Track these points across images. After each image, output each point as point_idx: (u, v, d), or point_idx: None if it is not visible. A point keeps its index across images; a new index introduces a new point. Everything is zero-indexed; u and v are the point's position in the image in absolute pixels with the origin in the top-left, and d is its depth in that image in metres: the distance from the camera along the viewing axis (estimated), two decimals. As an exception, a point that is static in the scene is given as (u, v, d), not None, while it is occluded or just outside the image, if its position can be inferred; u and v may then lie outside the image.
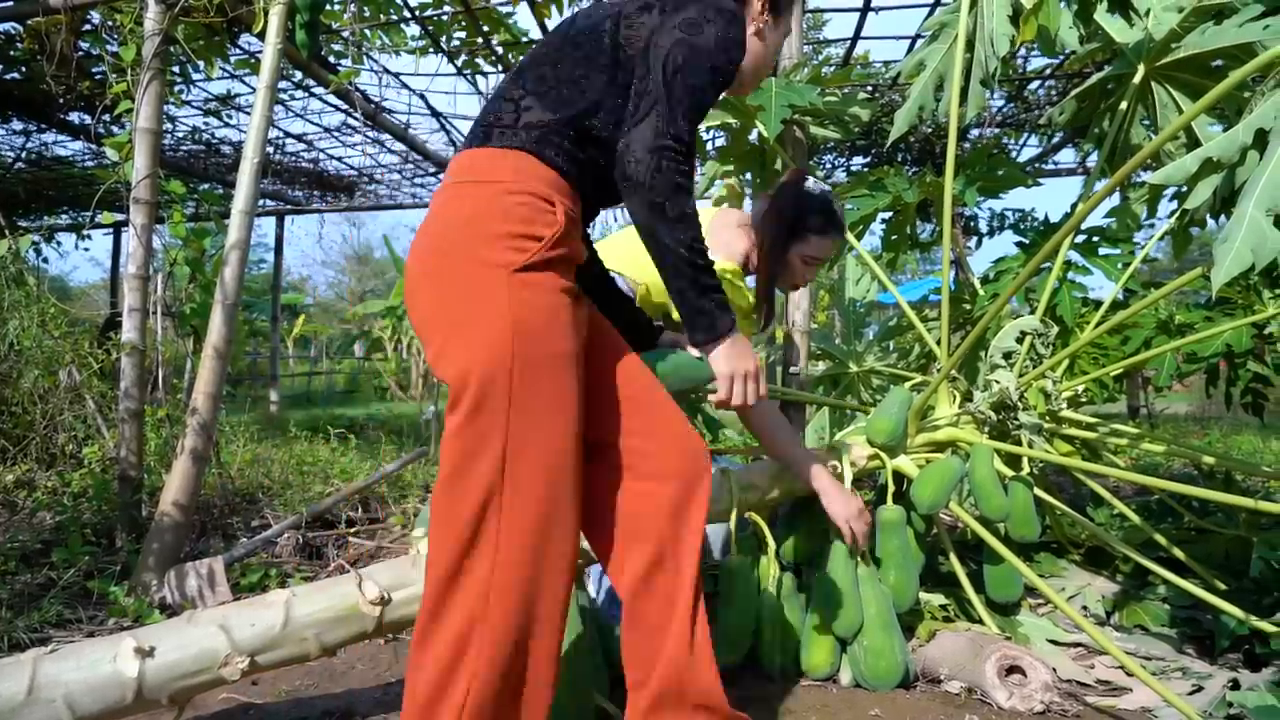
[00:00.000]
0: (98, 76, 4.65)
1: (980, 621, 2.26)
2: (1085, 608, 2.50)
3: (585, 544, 1.90)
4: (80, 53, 4.40)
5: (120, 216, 3.31)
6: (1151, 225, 2.86)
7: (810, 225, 2.22)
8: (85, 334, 3.64)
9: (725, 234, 2.29)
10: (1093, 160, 2.52)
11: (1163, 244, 2.57)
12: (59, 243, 8.60)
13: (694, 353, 1.44)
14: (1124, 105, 2.42)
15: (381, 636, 2.00)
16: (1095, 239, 2.83)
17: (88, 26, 4.21)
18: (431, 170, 8.50)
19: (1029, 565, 2.60)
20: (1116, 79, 2.46)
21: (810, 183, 2.28)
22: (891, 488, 2.24)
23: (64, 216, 10.31)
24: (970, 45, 2.36)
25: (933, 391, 2.39)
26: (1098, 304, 2.92)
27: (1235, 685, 1.94)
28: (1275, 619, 1.91)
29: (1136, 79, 2.36)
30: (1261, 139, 1.44)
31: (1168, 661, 2.14)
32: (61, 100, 5.23)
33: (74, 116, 6.26)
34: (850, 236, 2.83)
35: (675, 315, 2.25)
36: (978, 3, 2.30)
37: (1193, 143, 2.30)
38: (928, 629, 2.25)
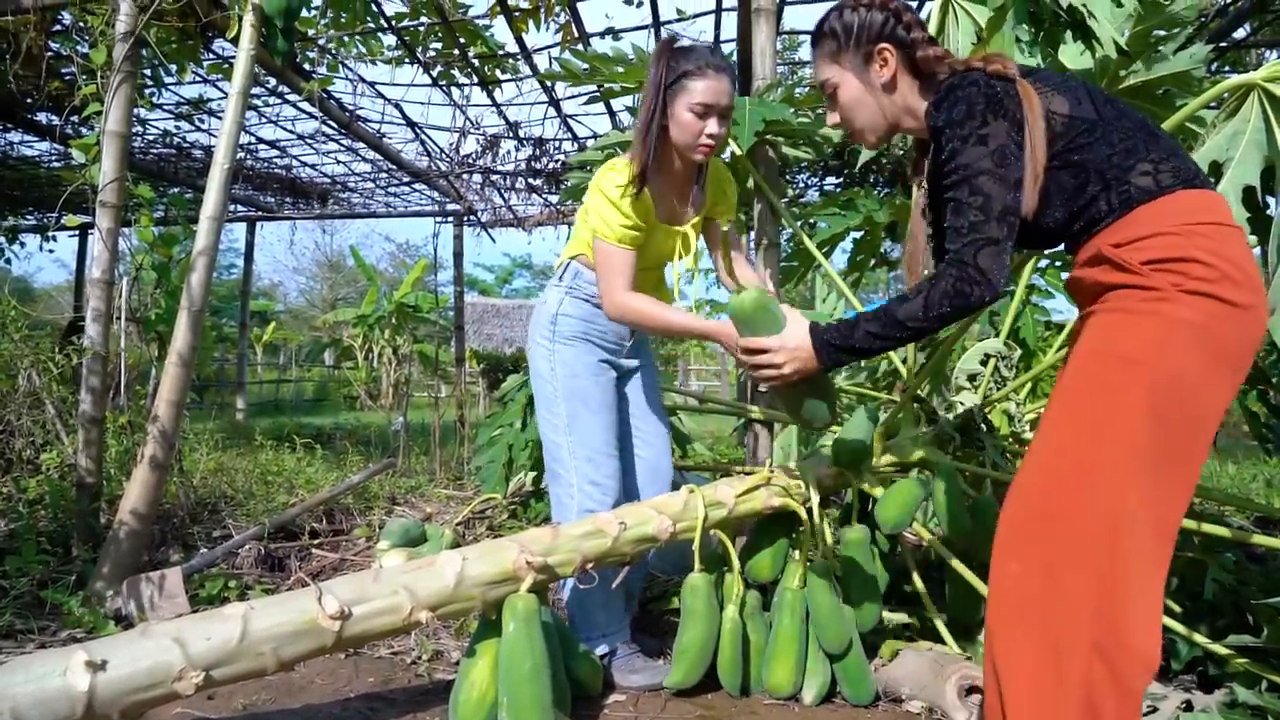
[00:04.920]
0: (67, 78, 4.59)
1: (943, 641, 2.28)
2: (1045, 628, 2.52)
3: (550, 560, 1.90)
4: (50, 53, 4.34)
5: (87, 219, 3.27)
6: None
7: (686, 72, 2.05)
8: (47, 337, 3.57)
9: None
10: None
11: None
12: (23, 243, 8.43)
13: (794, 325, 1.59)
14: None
15: (341, 651, 1.98)
16: (1058, 264, 2.89)
17: (58, 27, 4.15)
18: (405, 179, 8.47)
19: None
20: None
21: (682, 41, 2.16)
22: (856, 507, 2.26)
23: (29, 217, 10.14)
24: (939, 72, 2.40)
25: (898, 412, 2.41)
26: (1060, 327, 2.97)
27: (1189, 707, 1.97)
28: (1228, 641, 1.95)
29: (1094, 107, 2.41)
30: (1216, 170, 1.48)
31: (1124, 682, 2.17)
32: (29, 100, 5.15)
33: (41, 116, 6.17)
34: (819, 255, 2.86)
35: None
36: (944, 30, 2.34)
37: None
38: (890, 648, 2.26)
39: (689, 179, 2.23)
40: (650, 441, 2.43)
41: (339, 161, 8.07)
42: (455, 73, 5.48)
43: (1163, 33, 2.28)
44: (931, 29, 2.35)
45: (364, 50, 4.86)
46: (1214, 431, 1.28)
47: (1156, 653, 1.23)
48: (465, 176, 7.69)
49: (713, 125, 2.06)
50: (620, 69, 2.80)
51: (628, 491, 2.38)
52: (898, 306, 1.40)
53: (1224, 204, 1.32)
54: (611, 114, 6.41)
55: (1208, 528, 1.93)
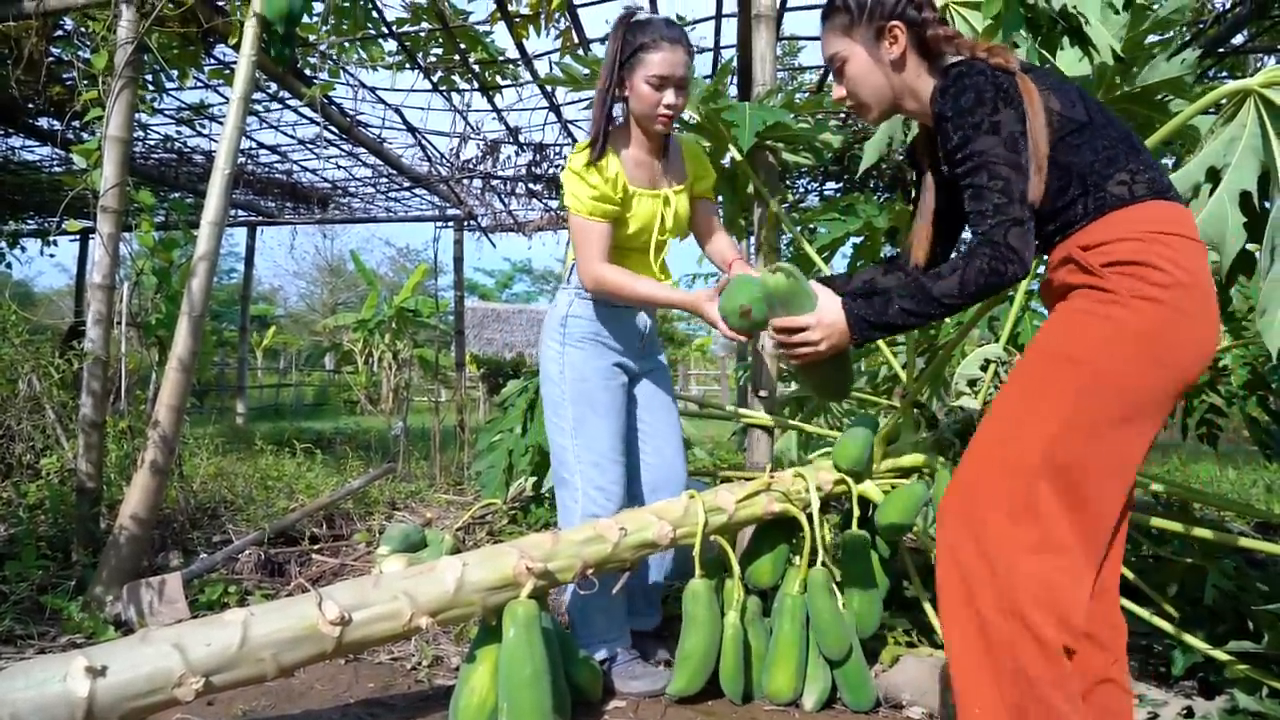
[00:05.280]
0: (68, 83, 4.59)
1: (943, 647, 2.27)
2: (1045, 633, 2.52)
3: (550, 566, 1.90)
4: (51, 58, 4.35)
5: (88, 223, 3.27)
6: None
7: (642, 45, 2.12)
8: (47, 342, 3.58)
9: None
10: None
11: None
12: (23, 248, 8.44)
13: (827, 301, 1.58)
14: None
15: (341, 657, 1.98)
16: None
17: (60, 32, 4.16)
18: (405, 184, 8.49)
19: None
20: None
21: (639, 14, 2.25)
22: (857, 512, 2.26)
23: (30, 222, 10.14)
24: (938, 78, 2.40)
25: (899, 417, 2.42)
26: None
27: (1189, 713, 1.97)
28: (1228, 647, 1.95)
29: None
30: (1214, 176, 1.49)
31: (1124, 688, 2.17)
32: (31, 105, 5.16)
33: (43, 121, 6.18)
34: (819, 260, 2.86)
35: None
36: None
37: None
38: (891, 654, 2.26)
39: (658, 149, 2.27)
40: (659, 448, 2.40)
41: (340, 166, 8.07)
42: (456, 78, 5.50)
43: (1156, 37, 2.29)
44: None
45: (364, 56, 4.87)
46: (1152, 434, 1.35)
47: (1078, 621, 1.31)
48: (466, 181, 7.70)
49: (670, 96, 2.11)
50: (620, 75, 2.80)
51: (634, 497, 2.37)
52: (933, 283, 1.43)
53: (1191, 218, 1.39)
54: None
55: (1208, 533, 1.93)
